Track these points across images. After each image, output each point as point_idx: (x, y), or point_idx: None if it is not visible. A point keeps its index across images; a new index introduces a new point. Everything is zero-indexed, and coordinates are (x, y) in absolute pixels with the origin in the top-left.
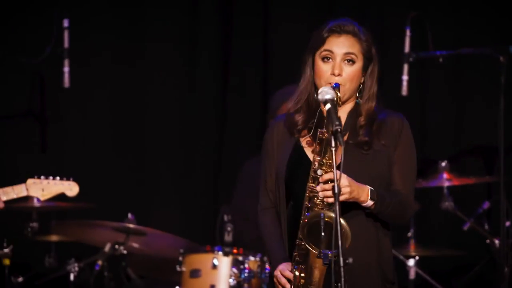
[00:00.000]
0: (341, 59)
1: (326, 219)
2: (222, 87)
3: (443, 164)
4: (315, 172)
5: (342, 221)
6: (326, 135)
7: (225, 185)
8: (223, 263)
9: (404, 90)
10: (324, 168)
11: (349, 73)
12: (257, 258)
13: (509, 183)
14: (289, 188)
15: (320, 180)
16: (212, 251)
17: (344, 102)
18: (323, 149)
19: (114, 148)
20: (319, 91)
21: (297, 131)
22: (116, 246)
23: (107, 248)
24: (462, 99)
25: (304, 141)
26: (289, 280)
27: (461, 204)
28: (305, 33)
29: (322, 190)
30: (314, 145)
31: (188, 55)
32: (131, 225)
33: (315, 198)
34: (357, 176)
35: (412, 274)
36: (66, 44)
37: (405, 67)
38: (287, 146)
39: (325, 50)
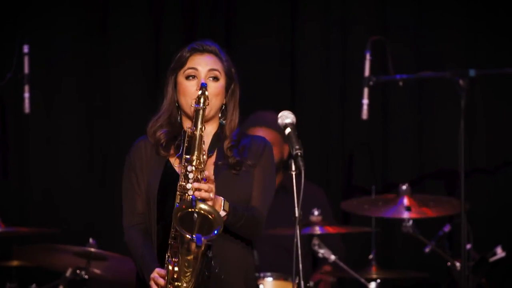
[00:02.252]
0: (205, 76)
1: (196, 209)
2: None
3: (404, 187)
4: (186, 168)
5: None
6: (196, 132)
7: None
8: None
9: (365, 114)
10: (194, 164)
11: (214, 89)
12: None
13: (470, 206)
14: (161, 207)
15: (191, 180)
16: None
17: (208, 120)
18: (191, 146)
19: (77, 173)
20: (279, 115)
21: (163, 149)
22: (78, 271)
23: (68, 273)
24: (423, 122)
25: (173, 161)
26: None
27: (422, 227)
28: (268, 52)
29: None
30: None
31: (153, 75)
32: (92, 250)
33: (186, 195)
34: (229, 196)
35: None
36: (26, 69)
37: (365, 91)
38: (157, 165)
39: (189, 68)
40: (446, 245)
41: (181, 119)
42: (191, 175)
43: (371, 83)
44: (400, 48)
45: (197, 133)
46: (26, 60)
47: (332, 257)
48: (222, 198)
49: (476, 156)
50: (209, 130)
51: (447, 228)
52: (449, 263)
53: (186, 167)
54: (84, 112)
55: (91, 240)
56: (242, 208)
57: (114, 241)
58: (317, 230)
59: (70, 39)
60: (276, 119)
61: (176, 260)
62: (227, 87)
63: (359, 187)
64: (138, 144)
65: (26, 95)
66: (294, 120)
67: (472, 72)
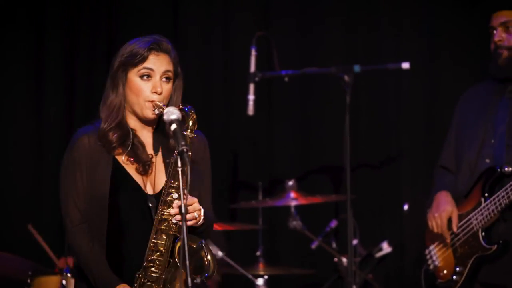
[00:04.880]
0: (160, 77)
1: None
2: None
3: (290, 183)
4: (168, 195)
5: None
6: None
7: None
8: (72, 284)
9: (250, 110)
10: (177, 191)
11: (167, 91)
12: None
13: (356, 201)
14: (111, 206)
15: (175, 206)
16: (61, 273)
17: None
18: (173, 171)
19: None
20: (165, 111)
21: (112, 149)
22: None
23: None
24: (309, 118)
25: (122, 159)
26: None
27: (309, 222)
28: None
29: (176, 215)
30: (136, 164)
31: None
32: None
33: (168, 221)
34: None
35: None
36: None
37: (251, 87)
38: (104, 163)
39: (145, 68)
40: (332, 240)
41: (126, 113)
42: (175, 202)
43: (256, 79)
44: (285, 43)
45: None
46: None
47: (220, 253)
48: (201, 208)
49: (361, 151)
50: (150, 129)
51: (333, 224)
52: (335, 259)
53: (171, 193)
54: None
55: None
56: (208, 215)
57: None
58: None
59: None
60: None
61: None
62: (173, 84)
63: (245, 183)
64: (82, 139)
65: None
66: (180, 116)
67: (357, 68)
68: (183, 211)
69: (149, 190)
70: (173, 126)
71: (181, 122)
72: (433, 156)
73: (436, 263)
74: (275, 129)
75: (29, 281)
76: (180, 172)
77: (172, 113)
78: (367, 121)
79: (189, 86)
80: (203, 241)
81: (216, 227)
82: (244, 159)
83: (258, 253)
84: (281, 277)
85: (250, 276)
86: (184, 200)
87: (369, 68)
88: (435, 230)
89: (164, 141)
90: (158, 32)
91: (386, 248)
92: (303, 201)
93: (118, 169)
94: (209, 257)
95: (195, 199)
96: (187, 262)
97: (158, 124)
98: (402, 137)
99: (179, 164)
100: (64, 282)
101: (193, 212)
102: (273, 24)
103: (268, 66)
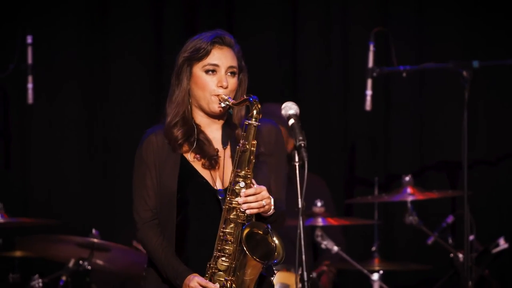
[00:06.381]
0: (224, 72)
1: (259, 231)
2: None
3: (407, 178)
4: (236, 184)
5: (276, 237)
6: (247, 146)
7: None
8: None
9: (368, 105)
10: (244, 180)
11: (232, 85)
12: None
13: (473, 197)
14: (180, 202)
15: (243, 195)
16: None
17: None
18: (244, 161)
19: (79, 164)
20: (283, 106)
21: (178, 146)
22: (80, 262)
23: (71, 263)
24: (426, 113)
25: (189, 156)
26: None
27: (425, 218)
28: (270, 46)
29: (245, 203)
30: (203, 160)
31: (154, 68)
32: (96, 240)
33: (236, 210)
34: None
35: None
36: (29, 60)
37: (369, 82)
38: (172, 161)
39: (210, 64)
40: (449, 236)
41: (191, 108)
42: (242, 191)
43: (374, 74)
44: (403, 39)
45: (249, 147)
46: (29, 51)
47: (335, 248)
48: (271, 197)
49: (478, 147)
50: (220, 121)
51: (450, 220)
52: (452, 255)
53: (238, 182)
54: (85, 102)
55: (94, 230)
56: (279, 205)
57: (116, 231)
58: (320, 221)
59: (73, 30)
60: (280, 111)
61: (234, 278)
62: (238, 78)
63: (361, 178)
64: (149, 139)
65: (30, 85)
66: (298, 111)
67: (475, 64)
68: (300, 205)
69: (218, 185)
70: (291, 121)
71: (299, 117)
72: None
73: None
74: (392, 124)
75: (144, 274)
76: (297, 167)
77: (290, 108)
78: (485, 117)
79: (307, 82)
80: (269, 226)
81: (333, 222)
82: (360, 154)
83: (373, 248)
84: (396, 273)
85: (365, 272)
86: (255, 189)
87: (488, 63)
88: None
89: (233, 135)
90: (276, 28)
91: (502, 244)
92: (419, 196)
93: (186, 166)
94: (276, 242)
95: (263, 188)
96: (303, 256)
97: (227, 118)
98: None
99: (296, 159)
100: None
101: (261, 200)
102: (391, 20)
103: (386, 61)
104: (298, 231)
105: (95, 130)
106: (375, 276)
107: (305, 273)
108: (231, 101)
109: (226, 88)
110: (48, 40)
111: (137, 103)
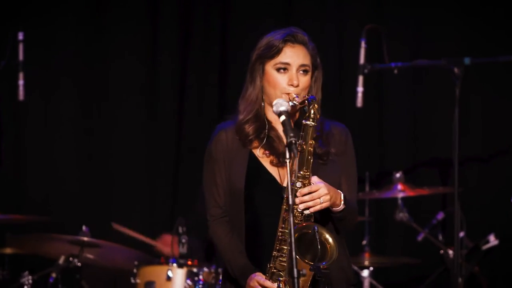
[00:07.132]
0: (296, 70)
1: (308, 231)
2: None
3: (398, 175)
4: (293, 184)
5: (328, 236)
6: (305, 147)
7: (183, 198)
8: (178, 275)
9: (359, 102)
10: (302, 180)
11: (304, 83)
12: (212, 270)
13: (463, 194)
14: (247, 199)
15: (298, 194)
16: (167, 263)
17: (295, 112)
18: (302, 161)
19: (70, 161)
20: (274, 102)
21: (248, 142)
22: (70, 259)
23: (61, 260)
24: (417, 110)
25: (258, 152)
26: None
27: (416, 215)
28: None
29: (301, 203)
30: (272, 156)
31: (150, 67)
32: (85, 238)
33: (296, 211)
34: None
35: (366, 285)
36: (20, 57)
37: (360, 79)
38: (240, 157)
39: (281, 62)
40: (439, 233)
41: (264, 105)
42: (299, 191)
43: (366, 71)
44: (398, 36)
45: (306, 148)
46: (20, 48)
47: None
48: (341, 193)
49: (470, 144)
50: (295, 119)
51: (440, 216)
52: (442, 251)
53: (295, 182)
54: (81, 100)
55: (84, 228)
56: (350, 203)
57: (106, 229)
58: None
59: (71, 29)
60: None
61: (287, 279)
62: (312, 76)
63: None
64: (219, 135)
65: (21, 82)
66: (289, 108)
67: (467, 60)
68: (290, 202)
69: (285, 182)
70: (282, 118)
71: (289, 114)
72: None
73: None
74: (384, 121)
75: (135, 270)
76: (287, 163)
77: (281, 105)
78: (477, 114)
79: None
80: (316, 227)
81: None
82: None
83: (364, 242)
84: (386, 269)
85: (355, 268)
86: (309, 188)
87: (479, 60)
88: None
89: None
90: (271, 28)
91: (492, 240)
92: (410, 193)
93: (254, 162)
94: (331, 242)
95: (320, 185)
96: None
97: (299, 117)
98: None
99: (287, 155)
100: (169, 272)
101: (318, 198)
102: (386, 17)
103: (380, 58)
104: (289, 227)
105: (90, 128)
106: (365, 272)
107: (295, 270)
108: (298, 100)
109: (297, 86)
110: (44, 38)
111: (132, 101)
